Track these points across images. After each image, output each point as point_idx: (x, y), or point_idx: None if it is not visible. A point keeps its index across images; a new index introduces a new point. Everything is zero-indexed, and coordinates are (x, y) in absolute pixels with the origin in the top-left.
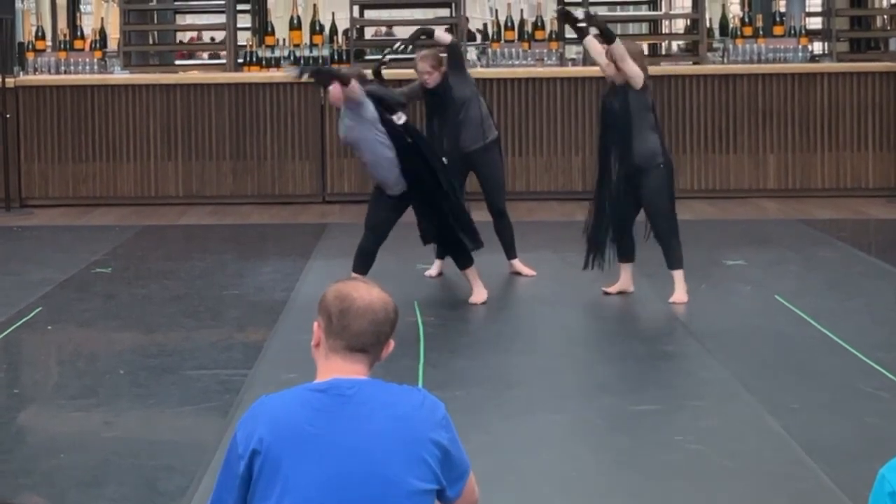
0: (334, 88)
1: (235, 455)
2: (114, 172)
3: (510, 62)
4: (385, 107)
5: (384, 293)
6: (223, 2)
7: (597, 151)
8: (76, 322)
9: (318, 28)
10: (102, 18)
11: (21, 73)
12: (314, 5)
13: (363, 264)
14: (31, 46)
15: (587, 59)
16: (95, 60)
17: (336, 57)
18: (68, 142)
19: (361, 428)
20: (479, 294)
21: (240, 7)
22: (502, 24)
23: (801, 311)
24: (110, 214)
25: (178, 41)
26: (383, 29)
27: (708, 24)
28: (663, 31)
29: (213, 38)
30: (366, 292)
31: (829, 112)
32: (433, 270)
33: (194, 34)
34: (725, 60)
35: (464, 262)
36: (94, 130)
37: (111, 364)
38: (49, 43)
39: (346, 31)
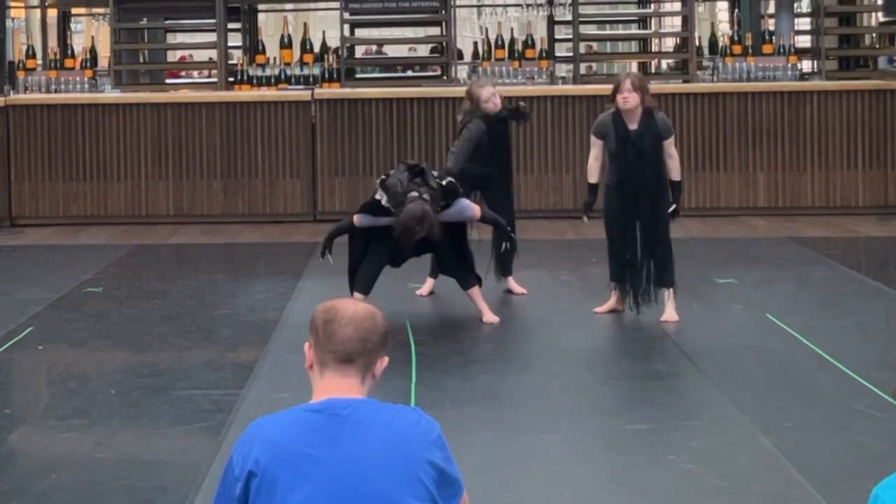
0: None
1: (232, 477)
2: (104, 191)
3: (500, 81)
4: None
5: (372, 306)
6: (214, 21)
7: (613, 179)
8: (67, 342)
9: (308, 47)
10: (93, 37)
11: (11, 91)
12: (305, 24)
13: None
14: (21, 65)
15: (577, 78)
16: (86, 79)
17: (327, 76)
18: (59, 161)
19: (357, 448)
20: (490, 314)
21: (230, 26)
22: (493, 42)
23: (792, 330)
24: (101, 233)
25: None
26: (374, 48)
27: (697, 43)
28: (653, 50)
29: (191, 55)
30: (350, 304)
31: (818, 130)
32: (424, 289)
33: (185, 53)
34: (715, 79)
35: (471, 281)
36: (85, 149)
37: (102, 384)
38: (39, 62)
39: (336, 50)
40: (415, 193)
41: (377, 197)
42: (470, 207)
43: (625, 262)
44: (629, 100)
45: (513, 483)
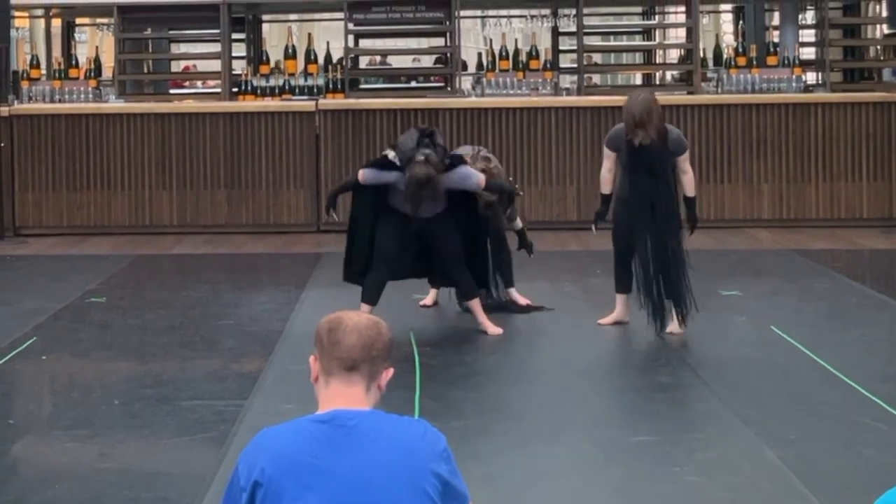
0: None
1: (238, 487)
2: (108, 201)
3: (505, 92)
4: None
5: (375, 317)
6: (218, 31)
7: (623, 193)
8: (71, 352)
9: (312, 57)
10: (97, 47)
11: (16, 101)
12: (309, 34)
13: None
14: (25, 75)
15: (581, 90)
16: (90, 89)
17: (331, 86)
18: (63, 170)
19: (363, 459)
20: (492, 326)
21: (234, 36)
22: (497, 53)
23: (797, 342)
24: (105, 243)
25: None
26: (378, 58)
27: (702, 54)
28: (657, 61)
29: (195, 66)
30: (354, 314)
31: (823, 142)
32: (428, 300)
33: (189, 63)
34: (719, 90)
35: (471, 293)
36: (89, 159)
37: (106, 394)
38: (44, 71)
39: (340, 61)
40: (421, 157)
41: (385, 153)
42: (475, 175)
43: (630, 274)
44: (644, 138)
45: (516, 495)
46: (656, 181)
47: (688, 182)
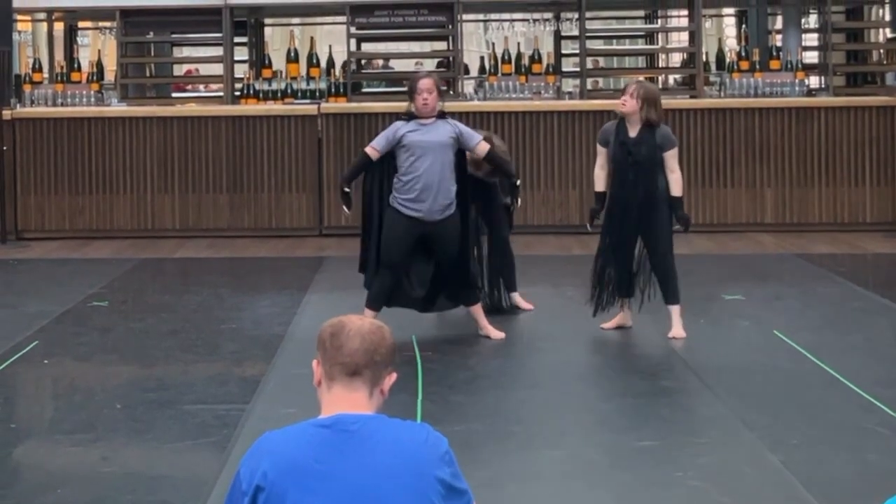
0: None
1: (239, 491)
2: (110, 205)
3: (507, 95)
4: None
5: (378, 321)
6: (220, 35)
7: (614, 188)
8: (73, 356)
9: (315, 61)
10: (99, 51)
11: (18, 105)
12: (311, 38)
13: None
14: (28, 79)
15: (584, 93)
16: (92, 93)
17: (333, 90)
18: (65, 174)
19: (366, 463)
20: (494, 330)
21: (237, 40)
22: (499, 57)
23: (800, 347)
24: (107, 247)
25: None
26: (380, 62)
27: (705, 58)
28: (660, 65)
29: (198, 69)
30: (357, 319)
31: (826, 146)
32: None
33: (191, 67)
34: (722, 94)
35: (474, 298)
36: (91, 163)
37: (108, 398)
38: (46, 75)
39: (343, 64)
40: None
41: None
42: (479, 137)
43: (624, 274)
44: (626, 104)
45: (519, 500)
46: (641, 176)
47: (675, 181)
